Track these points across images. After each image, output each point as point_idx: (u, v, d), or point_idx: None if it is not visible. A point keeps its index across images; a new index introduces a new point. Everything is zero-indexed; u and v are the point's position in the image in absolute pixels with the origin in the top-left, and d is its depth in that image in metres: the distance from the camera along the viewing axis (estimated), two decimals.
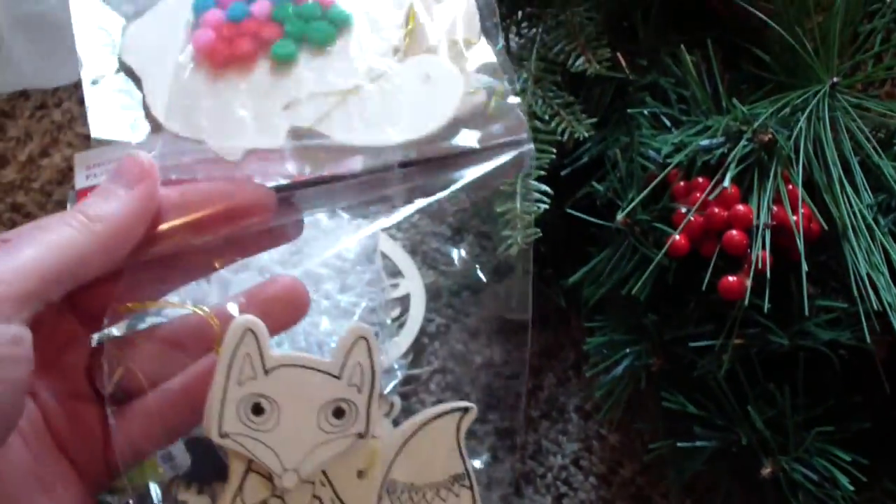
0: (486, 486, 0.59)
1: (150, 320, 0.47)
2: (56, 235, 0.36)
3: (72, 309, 0.40)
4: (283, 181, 0.41)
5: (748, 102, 0.53)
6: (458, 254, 0.64)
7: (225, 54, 0.42)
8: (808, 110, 0.51)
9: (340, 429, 0.38)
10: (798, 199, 0.49)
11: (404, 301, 0.62)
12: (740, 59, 0.58)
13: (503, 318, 0.62)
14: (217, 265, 0.42)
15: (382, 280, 0.60)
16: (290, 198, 0.41)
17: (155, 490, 0.44)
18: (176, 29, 0.43)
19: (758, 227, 0.48)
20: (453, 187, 0.42)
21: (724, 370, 0.50)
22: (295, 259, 0.59)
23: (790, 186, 0.49)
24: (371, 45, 0.43)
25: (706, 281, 0.48)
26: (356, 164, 0.41)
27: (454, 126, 0.42)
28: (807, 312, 0.47)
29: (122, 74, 0.43)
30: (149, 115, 0.42)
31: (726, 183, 0.49)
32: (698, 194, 0.50)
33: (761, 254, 0.47)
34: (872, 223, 0.49)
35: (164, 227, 0.38)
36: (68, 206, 0.63)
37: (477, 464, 0.59)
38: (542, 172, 0.54)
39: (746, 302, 0.47)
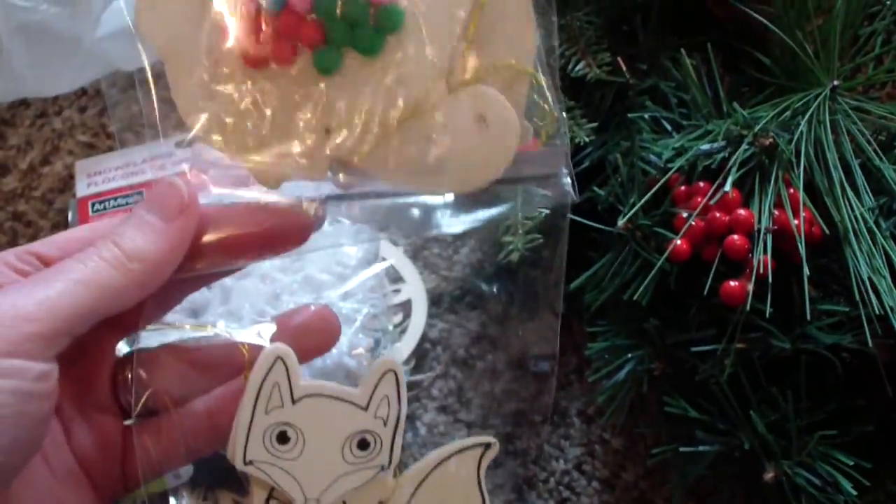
0: (489, 491, 0.59)
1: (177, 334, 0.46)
2: (90, 272, 0.35)
3: None
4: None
5: (749, 106, 0.53)
6: (459, 259, 0.64)
7: (260, 56, 0.37)
8: (808, 114, 0.51)
9: (364, 460, 0.38)
10: (799, 202, 0.48)
11: (406, 307, 0.62)
12: (740, 62, 0.58)
13: (504, 321, 0.62)
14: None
15: (384, 286, 0.60)
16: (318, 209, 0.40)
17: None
18: (198, 1, 0.38)
19: (759, 232, 0.48)
20: (488, 217, 0.41)
21: (726, 374, 0.50)
22: (297, 265, 0.59)
23: (791, 190, 0.49)
24: (422, 58, 0.38)
25: (708, 285, 0.48)
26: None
27: None
28: (809, 316, 0.47)
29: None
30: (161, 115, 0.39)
31: (727, 187, 0.49)
32: (699, 199, 0.50)
33: (763, 258, 0.47)
34: (874, 226, 0.49)
35: (201, 244, 0.37)
36: (69, 214, 0.63)
37: None
38: None
39: (748, 306, 0.47)
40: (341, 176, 0.38)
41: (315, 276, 0.58)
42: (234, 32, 0.37)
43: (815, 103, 0.51)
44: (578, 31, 0.57)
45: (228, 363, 0.41)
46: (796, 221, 0.48)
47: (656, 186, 0.51)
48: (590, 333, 0.57)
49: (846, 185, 0.49)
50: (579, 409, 0.61)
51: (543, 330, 0.48)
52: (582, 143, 0.55)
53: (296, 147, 0.37)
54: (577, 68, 0.56)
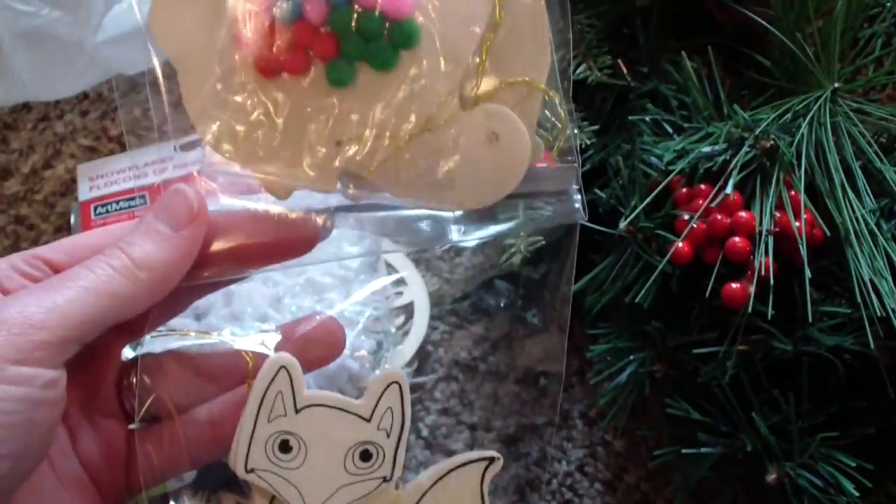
0: (492, 493, 0.59)
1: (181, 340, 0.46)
2: (99, 279, 0.35)
3: None
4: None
5: (749, 108, 0.53)
6: (461, 261, 0.64)
7: (273, 66, 0.37)
8: (809, 116, 0.51)
9: (366, 472, 0.38)
10: (800, 204, 0.49)
11: (408, 309, 0.62)
12: (741, 65, 0.58)
13: (510, 320, 0.62)
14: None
15: (386, 288, 0.60)
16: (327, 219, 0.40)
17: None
18: (209, 7, 0.37)
19: (760, 234, 0.48)
20: (497, 232, 0.41)
21: (728, 376, 0.50)
22: (299, 268, 0.59)
23: (792, 192, 0.49)
24: (436, 74, 0.37)
25: (709, 288, 0.48)
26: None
27: None
28: (810, 318, 0.47)
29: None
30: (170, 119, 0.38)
31: (729, 189, 0.49)
32: (701, 201, 0.50)
33: (764, 260, 0.47)
34: (875, 228, 0.49)
35: (209, 253, 0.38)
36: (72, 217, 0.63)
37: None
38: None
39: (750, 308, 0.47)
40: (351, 188, 0.38)
41: (317, 279, 0.58)
42: (247, 42, 0.37)
43: (816, 105, 0.51)
44: (579, 35, 0.57)
45: (232, 371, 0.41)
46: (797, 223, 0.48)
47: (658, 189, 0.51)
48: (591, 336, 0.57)
49: (847, 186, 0.50)
50: (581, 412, 0.61)
51: (549, 347, 0.49)
52: (583, 146, 0.55)
53: (306, 159, 0.37)
54: (578, 71, 0.56)
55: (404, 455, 0.39)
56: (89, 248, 0.38)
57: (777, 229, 0.48)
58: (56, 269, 0.37)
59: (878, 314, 0.47)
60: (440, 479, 0.40)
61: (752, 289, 0.47)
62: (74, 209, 0.64)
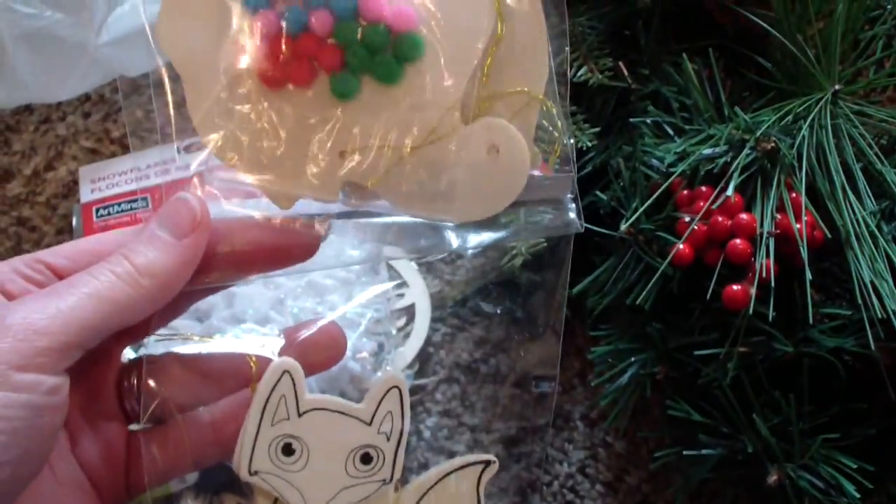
0: (493, 495, 0.59)
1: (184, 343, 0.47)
2: (102, 286, 0.35)
3: None
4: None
5: (750, 110, 0.53)
6: (462, 264, 0.64)
7: (278, 77, 0.37)
8: (810, 118, 0.51)
9: (367, 474, 0.39)
10: (801, 206, 0.49)
11: (410, 311, 0.62)
12: (742, 66, 0.58)
13: (507, 325, 0.62)
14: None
15: (388, 291, 0.60)
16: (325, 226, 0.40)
17: None
18: (216, 16, 0.37)
19: (761, 236, 0.48)
20: (494, 238, 0.41)
21: (729, 378, 0.50)
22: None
23: (793, 194, 0.49)
24: (439, 87, 0.38)
25: (710, 289, 0.48)
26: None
27: None
28: (811, 320, 0.47)
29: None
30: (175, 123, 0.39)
31: (729, 191, 0.49)
32: (702, 203, 0.50)
33: (765, 262, 0.47)
34: (875, 230, 0.49)
35: (211, 259, 0.38)
36: (73, 219, 0.63)
37: None
38: None
39: (751, 310, 0.47)
40: (353, 199, 0.38)
41: (319, 282, 0.58)
42: (253, 52, 0.37)
43: (817, 107, 0.51)
44: (580, 37, 0.57)
45: (234, 374, 0.41)
46: (798, 225, 0.48)
47: (658, 191, 0.52)
48: (593, 337, 0.57)
49: (848, 188, 0.50)
50: (583, 413, 0.61)
51: (545, 352, 0.49)
52: (584, 148, 0.55)
53: (310, 168, 0.37)
54: (579, 73, 0.56)
55: (404, 457, 0.39)
56: (91, 252, 0.38)
57: (778, 231, 0.48)
58: (58, 274, 0.37)
59: (879, 316, 0.47)
60: (439, 481, 0.41)
61: (752, 290, 0.47)
62: (76, 211, 0.64)
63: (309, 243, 0.39)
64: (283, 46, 0.37)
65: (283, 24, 0.37)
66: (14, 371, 0.32)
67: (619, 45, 0.59)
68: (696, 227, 0.50)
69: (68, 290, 0.34)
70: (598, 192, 0.56)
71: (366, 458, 0.39)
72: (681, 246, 0.50)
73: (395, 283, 0.61)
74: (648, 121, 0.56)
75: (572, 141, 0.41)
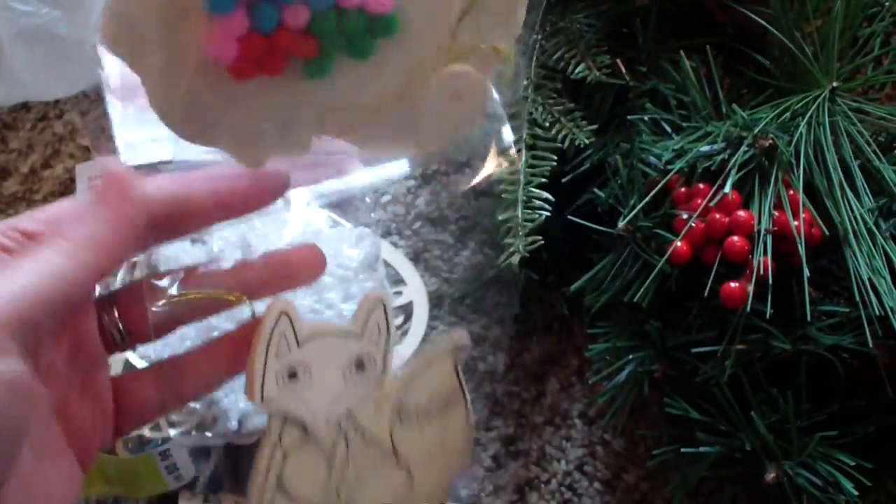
0: (491, 492, 0.59)
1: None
2: (42, 266, 0.35)
3: None
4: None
5: (748, 108, 0.53)
6: (460, 261, 0.64)
7: (248, 73, 0.36)
8: (808, 115, 0.51)
9: (363, 378, 0.43)
10: (799, 204, 0.49)
11: (407, 309, 0.62)
12: (740, 64, 0.58)
13: (506, 324, 0.62)
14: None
15: (385, 288, 0.60)
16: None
17: None
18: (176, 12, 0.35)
19: (759, 233, 0.48)
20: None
21: (726, 376, 0.50)
22: None
23: (791, 192, 0.49)
24: (412, 58, 0.38)
25: (708, 287, 0.48)
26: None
27: None
28: (809, 317, 0.48)
29: None
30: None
31: (727, 189, 0.49)
32: (699, 200, 0.50)
33: (763, 259, 0.47)
34: (873, 227, 0.49)
35: (164, 216, 0.39)
36: None
37: (481, 471, 0.59)
38: (544, 180, 0.54)
39: (748, 308, 0.47)
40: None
41: None
42: (218, 47, 0.36)
43: (815, 105, 0.51)
44: (578, 34, 0.57)
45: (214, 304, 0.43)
46: (796, 223, 0.48)
47: (656, 188, 0.52)
48: (590, 335, 0.57)
49: (846, 186, 0.50)
50: (581, 411, 0.61)
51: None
52: (582, 146, 0.55)
53: (281, 132, 0.38)
54: (577, 71, 0.56)
55: (392, 358, 0.44)
56: (68, 213, 0.38)
57: (776, 228, 0.48)
58: (33, 240, 0.37)
59: (877, 313, 0.47)
60: (420, 364, 0.45)
61: (750, 288, 0.47)
62: None
63: (276, 184, 0.41)
64: (254, 43, 0.36)
65: (252, 22, 0.35)
66: None
67: (618, 43, 0.59)
68: (693, 225, 0.50)
69: (5, 273, 0.34)
70: (595, 190, 0.56)
71: (360, 365, 0.42)
72: (678, 243, 0.49)
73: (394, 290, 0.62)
74: (646, 118, 0.56)
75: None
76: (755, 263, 0.47)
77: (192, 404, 0.52)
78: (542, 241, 0.52)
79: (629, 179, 0.54)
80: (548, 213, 0.52)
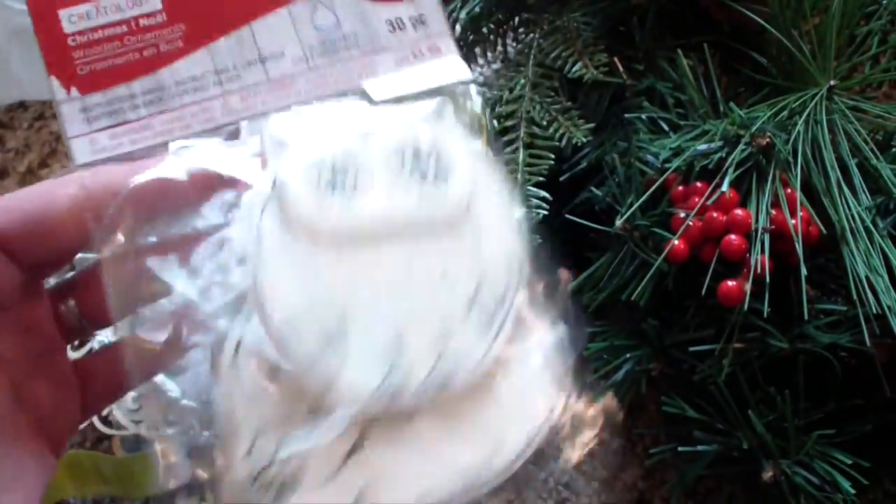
0: (488, 492, 0.59)
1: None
2: None
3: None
4: None
5: (746, 106, 0.53)
6: None
7: None
8: (805, 113, 0.51)
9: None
10: (796, 202, 0.49)
11: None
12: (737, 62, 0.58)
13: None
14: None
15: None
16: None
17: None
18: None
19: (756, 232, 0.48)
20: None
21: (724, 374, 0.50)
22: None
23: (788, 190, 0.49)
24: None
25: (705, 286, 0.48)
26: None
27: None
28: (806, 316, 0.47)
29: None
30: None
31: (725, 187, 0.49)
32: (697, 199, 0.50)
33: (760, 258, 0.47)
34: (871, 226, 0.49)
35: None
36: None
37: None
38: (541, 178, 0.54)
39: (746, 306, 0.47)
40: None
41: None
42: None
43: (812, 103, 0.51)
44: (575, 32, 0.57)
45: None
46: (793, 221, 0.48)
47: (654, 187, 0.51)
48: (588, 333, 0.57)
49: (843, 184, 0.50)
50: None
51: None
52: (579, 144, 0.55)
53: None
54: (574, 69, 0.56)
55: None
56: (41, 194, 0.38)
57: (773, 227, 0.48)
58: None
59: (875, 311, 0.46)
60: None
61: (748, 287, 0.47)
62: None
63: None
64: None
65: None
66: None
67: (615, 41, 0.59)
68: (691, 223, 0.49)
69: None
70: (593, 188, 0.56)
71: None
72: (676, 242, 0.49)
73: None
74: (643, 117, 0.56)
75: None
76: (752, 262, 0.47)
77: (188, 403, 0.52)
78: (539, 240, 0.52)
79: (626, 178, 0.54)
80: (545, 212, 0.52)
